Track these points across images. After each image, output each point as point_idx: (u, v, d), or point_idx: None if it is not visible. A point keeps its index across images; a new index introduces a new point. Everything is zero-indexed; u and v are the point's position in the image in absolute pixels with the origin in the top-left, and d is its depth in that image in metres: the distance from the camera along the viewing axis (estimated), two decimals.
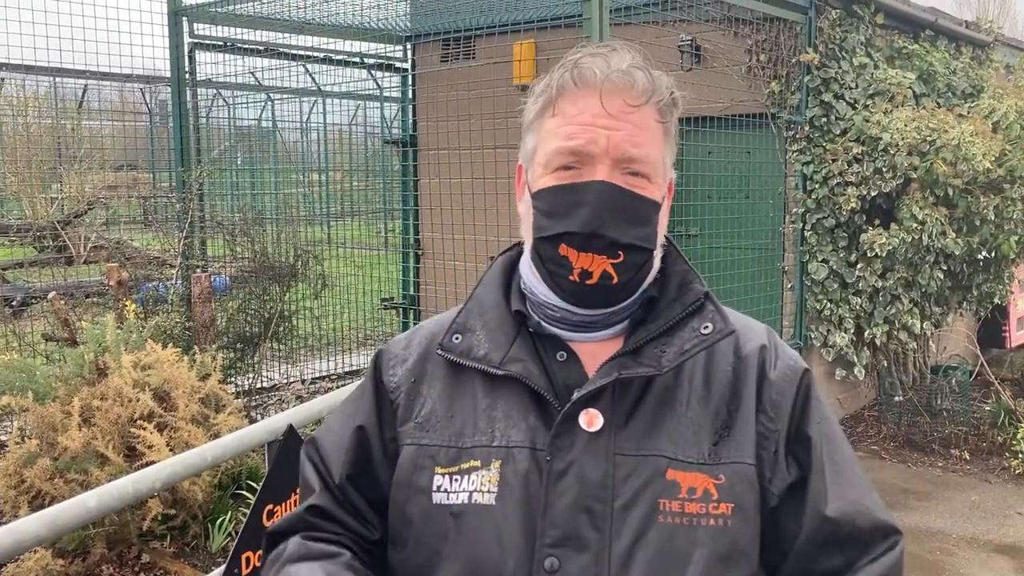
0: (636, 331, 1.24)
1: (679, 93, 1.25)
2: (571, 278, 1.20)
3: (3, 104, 12.53)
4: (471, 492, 1.18)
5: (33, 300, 7.65)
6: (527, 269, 1.29)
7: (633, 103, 1.19)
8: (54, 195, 11.36)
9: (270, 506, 2.31)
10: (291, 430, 2.36)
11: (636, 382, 1.20)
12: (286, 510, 2.34)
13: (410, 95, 8.02)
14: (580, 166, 1.18)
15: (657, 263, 1.26)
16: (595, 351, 1.24)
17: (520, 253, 1.34)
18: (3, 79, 12.31)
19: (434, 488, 1.20)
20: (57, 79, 12.70)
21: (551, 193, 1.20)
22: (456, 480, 1.19)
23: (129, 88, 14.00)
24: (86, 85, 13.31)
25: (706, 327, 1.22)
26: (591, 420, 1.18)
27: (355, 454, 1.28)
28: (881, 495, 1.28)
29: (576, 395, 1.18)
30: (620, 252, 1.19)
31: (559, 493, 1.15)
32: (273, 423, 2.31)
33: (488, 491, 1.17)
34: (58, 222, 9.45)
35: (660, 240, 1.25)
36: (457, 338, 1.27)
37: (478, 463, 1.19)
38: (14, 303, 8.19)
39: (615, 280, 1.19)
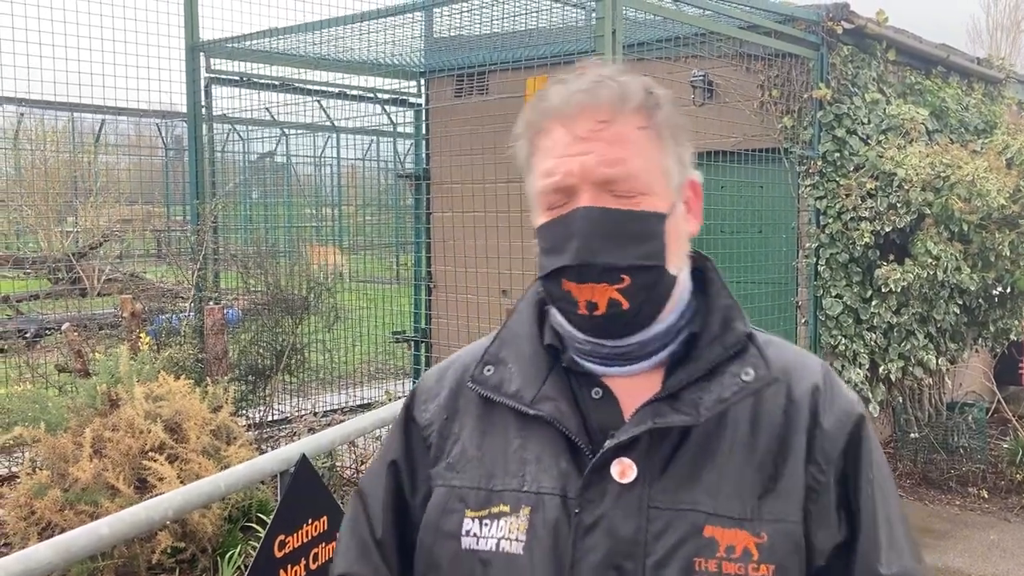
0: (675, 371, 1.16)
1: (662, 90, 1.18)
2: (579, 312, 1.14)
3: (22, 139, 12.68)
4: (499, 539, 1.13)
5: (47, 332, 7.69)
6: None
7: (603, 119, 1.12)
8: (69, 228, 11.46)
9: (282, 536, 2.28)
10: (304, 460, 2.35)
11: (674, 428, 1.13)
12: (298, 541, 2.32)
13: (423, 130, 8.08)
14: (567, 198, 1.13)
15: (683, 278, 1.19)
16: (631, 388, 1.17)
17: None
18: (23, 113, 12.47)
19: (463, 532, 1.15)
20: (75, 114, 12.85)
21: (543, 230, 1.16)
22: (486, 525, 1.15)
23: (145, 123, 14.15)
24: (103, 120, 13.47)
25: (747, 373, 1.14)
26: (624, 471, 1.11)
27: (392, 495, 1.27)
28: None
29: (608, 444, 1.12)
30: (623, 276, 1.11)
31: (587, 549, 1.10)
32: (286, 453, 2.30)
33: (516, 539, 1.12)
34: (73, 254, 9.52)
35: (675, 251, 1.17)
36: (489, 370, 1.23)
37: (507, 508, 1.14)
38: (28, 335, 8.22)
39: (625, 306, 1.12)
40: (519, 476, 1.15)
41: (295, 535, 2.32)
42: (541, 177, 1.15)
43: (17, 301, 9.53)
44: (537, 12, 5.87)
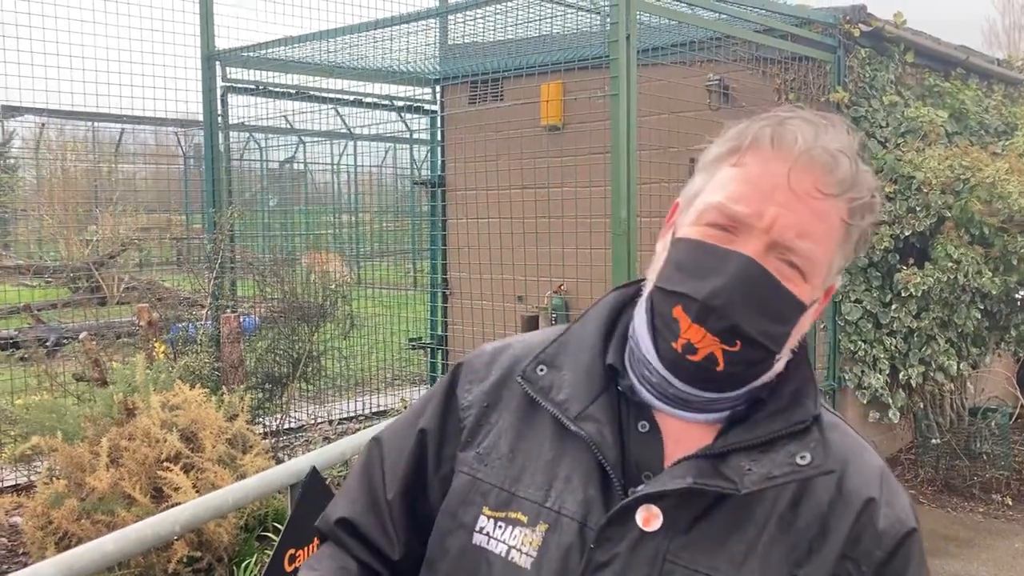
0: (730, 431, 1.10)
1: (881, 199, 1.11)
2: (673, 345, 1.07)
3: (43, 148, 12.81)
4: (510, 547, 1.10)
5: (65, 341, 7.74)
6: (641, 314, 1.15)
7: (824, 190, 1.04)
8: (89, 237, 11.55)
9: (292, 550, 2.27)
10: (314, 472, 2.33)
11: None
12: (308, 555, 2.31)
13: (439, 136, 8.08)
14: (734, 232, 1.05)
15: (779, 367, 1.11)
16: (680, 431, 1.12)
17: (637, 293, 1.20)
18: (44, 124, 12.60)
19: (477, 528, 1.13)
20: (95, 123, 12.96)
21: (690, 246, 1.08)
22: (500, 528, 1.11)
23: (166, 132, 14.26)
24: (122, 130, 13.58)
25: (803, 457, 1.06)
26: (648, 519, 1.06)
27: (415, 461, 1.23)
28: None
29: (640, 489, 1.07)
30: (738, 341, 1.04)
31: None
32: (295, 465, 2.29)
33: (527, 553, 1.09)
34: (92, 263, 9.59)
35: (792, 345, 1.10)
36: (542, 370, 1.17)
37: (524, 518, 1.11)
38: (48, 343, 8.28)
39: (720, 367, 1.06)
40: (544, 489, 1.11)
41: (306, 549, 2.30)
42: (725, 195, 1.07)
43: (37, 310, 9.61)
44: (551, 18, 5.86)
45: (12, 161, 14.40)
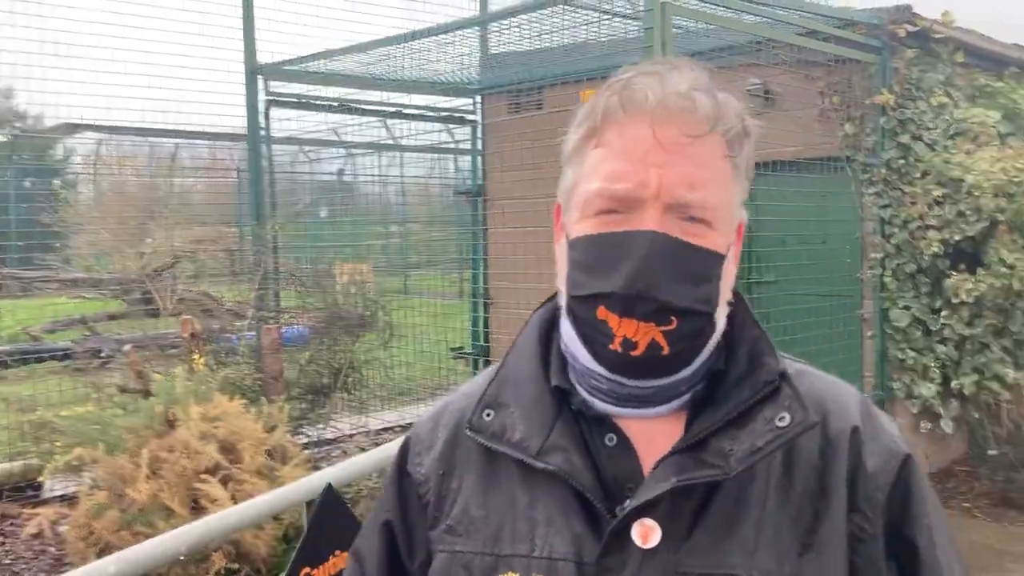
0: (698, 415, 1.03)
1: (753, 121, 1.04)
2: (611, 347, 1.00)
3: (99, 165, 13.13)
4: None
5: (114, 353, 7.91)
6: (567, 327, 1.08)
7: (693, 133, 0.98)
8: (143, 250, 11.80)
9: (307, 569, 2.26)
10: (329, 489, 2.32)
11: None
12: (324, 574, 2.30)
13: (479, 146, 8.09)
14: (625, 211, 0.99)
15: (721, 325, 1.04)
16: (649, 433, 1.05)
17: (558, 307, 1.12)
18: (101, 141, 12.91)
19: None
20: (151, 139, 13.23)
21: (589, 243, 1.01)
22: None
23: (220, 145, 14.51)
24: (176, 145, 13.85)
25: (782, 418, 1.00)
26: (646, 534, 0.98)
27: (386, 559, 1.16)
28: (974, 557, 1.14)
29: (627, 506, 0.99)
30: (672, 318, 0.98)
31: None
32: (311, 482, 2.28)
33: None
34: (145, 275, 9.79)
35: (724, 298, 1.03)
36: (488, 414, 1.09)
37: None
38: (101, 355, 8.46)
39: (665, 351, 0.99)
40: (528, 540, 1.03)
41: (321, 567, 2.29)
42: (602, 178, 1.00)
43: (93, 322, 9.83)
44: (587, 25, 5.82)
45: (72, 177, 14.80)
